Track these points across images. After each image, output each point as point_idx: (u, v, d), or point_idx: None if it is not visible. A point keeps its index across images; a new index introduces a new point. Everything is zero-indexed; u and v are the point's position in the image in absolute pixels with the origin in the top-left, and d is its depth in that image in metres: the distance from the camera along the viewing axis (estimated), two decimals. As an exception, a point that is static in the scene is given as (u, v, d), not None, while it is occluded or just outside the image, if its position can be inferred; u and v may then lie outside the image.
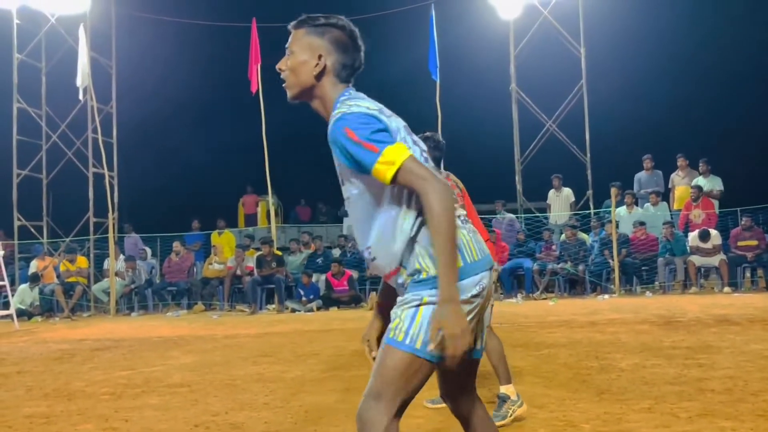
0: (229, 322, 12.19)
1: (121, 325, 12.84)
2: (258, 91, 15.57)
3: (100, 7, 17.84)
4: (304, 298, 14.12)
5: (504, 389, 4.40)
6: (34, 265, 15.91)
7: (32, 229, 17.49)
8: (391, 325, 2.31)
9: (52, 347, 9.55)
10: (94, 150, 16.98)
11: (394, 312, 2.33)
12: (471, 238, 2.38)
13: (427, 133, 4.40)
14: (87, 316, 15.00)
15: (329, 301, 13.97)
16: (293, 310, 13.78)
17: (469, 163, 15.73)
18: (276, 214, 17.30)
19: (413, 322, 2.26)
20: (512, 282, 14.36)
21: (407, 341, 2.25)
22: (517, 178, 17.33)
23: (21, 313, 13.83)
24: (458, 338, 2.13)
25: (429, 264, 2.29)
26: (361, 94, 2.42)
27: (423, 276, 2.29)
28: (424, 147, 2.45)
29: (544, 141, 17.20)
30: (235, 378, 6.43)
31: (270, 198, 16.05)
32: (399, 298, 2.35)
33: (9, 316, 13.06)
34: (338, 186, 2.51)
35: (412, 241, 2.31)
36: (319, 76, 2.42)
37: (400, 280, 2.37)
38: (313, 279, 14.40)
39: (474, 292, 2.30)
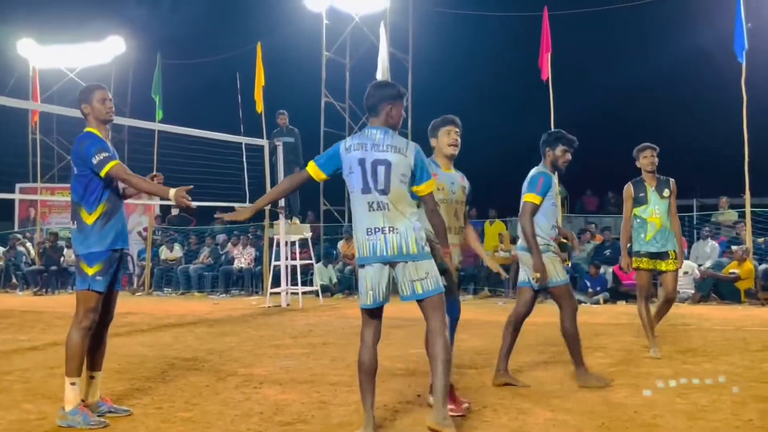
0: (515, 310, 12.28)
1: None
2: (548, 78, 15.51)
3: (398, 4, 18.84)
4: (590, 290, 13.85)
5: None
6: (341, 246, 17.29)
7: (335, 213, 18.97)
8: None
9: (353, 323, 10.29)
10: (392, 140, 17.95)
11: None
12: None
13: None
14: (385, 296, 15.93)
15: (617, 294, 13.56)
16: (579, 302, 13.57)
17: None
18: (562, 204, 17.11)
19: None
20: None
21: None
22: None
23: (325, 290, 15.13)
24: None
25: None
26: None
27: None
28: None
29: None
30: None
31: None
32: None
33: (314, 291, 14.39)
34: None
35: None
36: None
37: None
38: (601, 270, 14.07)
39: None
